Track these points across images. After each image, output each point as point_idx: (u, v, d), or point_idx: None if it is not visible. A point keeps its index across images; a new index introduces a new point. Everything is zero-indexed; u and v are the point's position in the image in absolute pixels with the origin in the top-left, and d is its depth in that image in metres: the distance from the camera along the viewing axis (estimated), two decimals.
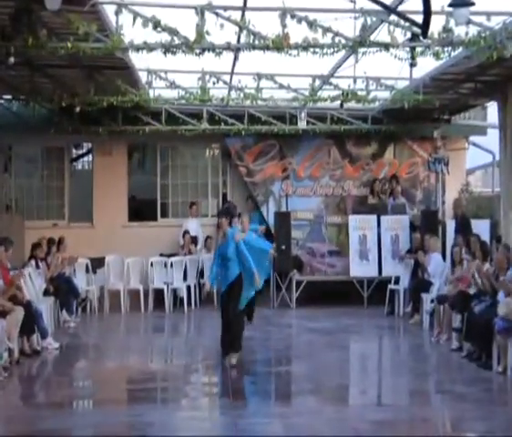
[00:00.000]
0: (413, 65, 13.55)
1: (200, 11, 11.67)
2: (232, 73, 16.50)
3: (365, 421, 8.83)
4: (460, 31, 12.17)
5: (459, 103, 17.95)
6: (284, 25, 11.82)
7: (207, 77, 17.02)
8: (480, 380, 10.71)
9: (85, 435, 8.54)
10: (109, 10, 11.64)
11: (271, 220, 18.85)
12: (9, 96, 18.01)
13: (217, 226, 12.52)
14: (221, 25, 11.64)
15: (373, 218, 18.64)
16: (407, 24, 11.75)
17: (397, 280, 17.11)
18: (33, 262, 15.29)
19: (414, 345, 13.78)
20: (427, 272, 15.69)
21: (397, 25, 11.86)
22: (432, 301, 14.23)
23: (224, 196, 20.01)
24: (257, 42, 12.31)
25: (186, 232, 18.74)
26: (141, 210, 20.03)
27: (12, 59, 12.13)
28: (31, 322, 12.46)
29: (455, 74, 15.24)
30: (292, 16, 11.68)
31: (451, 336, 12.88)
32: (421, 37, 11.78)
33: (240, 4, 11.70)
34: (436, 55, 12.97)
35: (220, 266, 11.97)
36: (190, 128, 18.80)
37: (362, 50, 12.78)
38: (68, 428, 8.67)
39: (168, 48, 12.31)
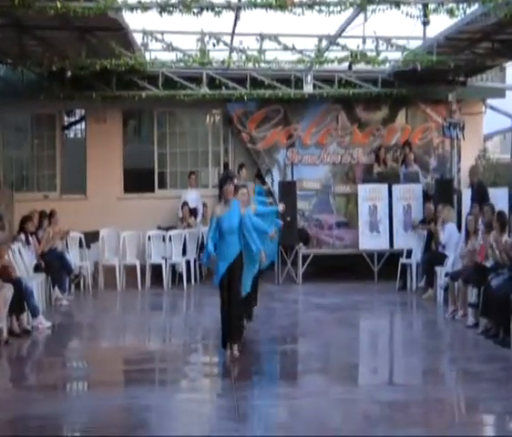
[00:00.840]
0: (425, 23, 13.46)
1: None
2: (233, 34, 16.41)
3: (376, 401, 8.80)
4: None
5: (475, 64, 17.81)
6: None
7: (206, 39, 16.93)
8: (497, 357, 10.68)
9: (79, 419, 8.51)
10: None
11: (275, 190, 18.77)
12: None
13: (218, 196, 11.37)
14: None
15: (384, 187, 18.57)
16: None
17: (409, 253, 17.08)
18: (23, 237, 15.26)
19: (427, 321, 13.76)
20: (441, 244, 15.65)
21: None
22: (446, 275, 14.18)
23: (226, 165, 19.93)
24: (259, 0, 12.23)
25: (185, 204, 18.70)
26: (137, 181, 19.94)
27: None
28: (21, 300, 12.45)
29: (470, 32, 15.11)
30: None
31: (466, 312, 12.84)
32: None
33: None
34: (451, 13, 12.87)
35: (216, 241, 10.73)
36: (189, 93, 18.70)
37: (371, 8, 12.71)
38: (62, 412, 8.66)
39: (164, 8, 12.24)
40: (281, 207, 13.59)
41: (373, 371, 10.84)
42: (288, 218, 17.43)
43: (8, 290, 11.92)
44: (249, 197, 11.97)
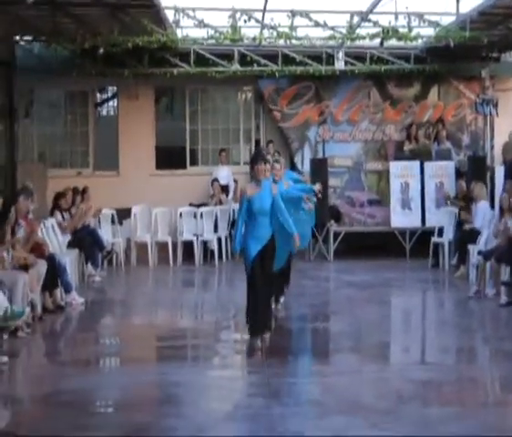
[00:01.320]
0: None
1: None
2: (265, 10, 16.33)
3: (408, 380, 8.72)
4: None
5: (510, 39, 17.60)
6: None
7: (238, 15, 16.90)
8: None
9: (110, 394, 8.52)
10: None
11: (306, 167, 18.66)
12: (30, 38, 18.02)
13: (250, 174, 10.98)
14: None
15: (416, 164, 18.42)
16: None
17: (441, 231, 16.89)
18: (58, 215, 15.31)
19: (459, 300, 13.60)
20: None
21: None
22: (479, 253, 14.00)
23: (257, 142, 19.85)
24: None
25: (215, 180, 18.66)
26: (169, 158, 19.90)
27: None
28: (54, 276, 12.46)
29: (505, 7, 14.91)
30: None
31: (499, 290, 12.68)
32: None
33: None
34: None
35: (245, 224, 10.05)
36: (221, 70, 18.63)
37: None
38: (94, 387, 8.66)
39: None
40: (317, 186, 12.79)
41: (406, 350, 10.76)
42: (319, 196, 17.29)
43: (42, 266, 11.94)
44: (282, 171, 11.70)
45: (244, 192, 10.17)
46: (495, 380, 9.32)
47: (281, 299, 12.41)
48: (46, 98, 20.53)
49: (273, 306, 11.58)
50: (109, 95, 21.94)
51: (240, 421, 7.48)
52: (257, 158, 10.19)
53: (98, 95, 21.60)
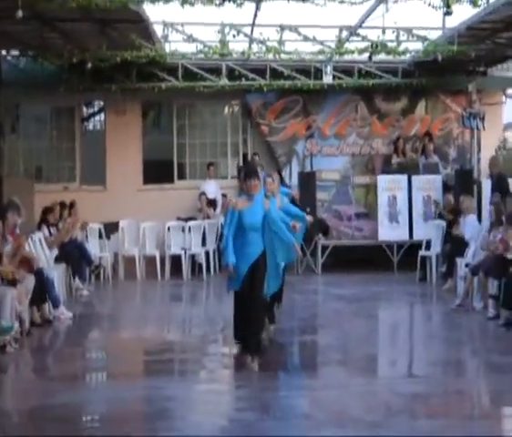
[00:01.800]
0: (448, 13, 13.35)
1: None
2: (253, 25, 16.40)
3: (396, 393, 8.74)
4: None
5: (496, 54, 17.75)
6: None
7: (226, 30, 16.95)
8: None
9: (99, 409, 8.53)
10: None
11: (294, 181, 18.73)
12: (16, 52, 18.02)
13: (240, 188, 11.02)
14: None
15: (404, 178, 18.52)
16: None
17: (428, 245, 16.97)
18: (45, 230, 15.32)
19: (447, 313, 13.64)
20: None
21: None
22: (466, 266, 14.08)
23: (245, 156, 19.90)
24: None
25: (202, 194, 18.69)
26: (157, 172, 19.94)
27: (20, 13, 12.13)
28: (42, 291, 12.48)
29: (492, 22, 15.03)
30: None
31: (487, 303, 12.75)
32: None
33: None
34: (474, 3, 12.79)
35: (235, 238, 9.63)
36: (209, 84, 18.70)
37: None
38: (82, 402, 8.66)
39: None
40: (308, 218, 12.43)
41: (393, 363, 10.79)
42: (307, 209, 17.35)
43: (30, 281, 11.95)
44: (276, 186, 11.55)
45: (233, 205, 9.89)
46: (482, 392, 9.38)
47: (272, 327, 11.66)
48: (33, 113, 20.54)
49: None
50: (96, 109, 21.97)
51: (230, 436, 7.51)
52: (250, 174, 9.83)
53: (85, 109, 21.64)
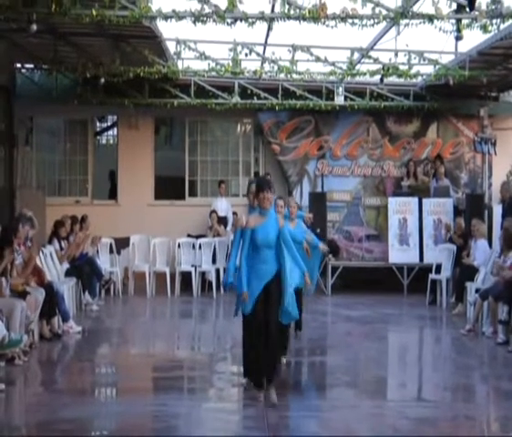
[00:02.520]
0: (459, 38, 13.38)
1: None
2: (266, 44, 16.43)
3: (405, 417, 8.71)
4: (510, 1, 12.00)
5: (508, 79, 17.77)
6: None
7: (239, 48, 16.97)
8: None
9: (106, 425, 8.52)
10: None
11: (305, 201, 18.71)
12: (31, 66, 18.12)
13: (250, 204, 10.37)
14: None
15: (415, 200, 18.50)
16: None
17: (439, 268, 16.92)
18: (56, 243, 15.35)
19: (456, 337, 13.60)
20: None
21: None
22: (477, 291, 14.03)
23: (256, 174, 19.89)
24: (292, 11, 12.27)
25: (213, 211, 18.69)
26: (168, 188, 19.96)
27: (34, 26, 12.20)
28: (52, 304, 12.50)
29: (504, 48, 15.06)
30: None
31: (497, 329, 12.70)
32: (467, 9, 11.61)
33: None
34: (484, 28, 12.80)
35: (248, 258, 8.99)
36: (221, 102, 18.75)
37: (404, 22, 12.69)
38: (90, 417, 8.65)
39: (197, 17, 12.30)
40: (321, 245, 12.00)
41: (402, 386, 10.73)
42: (318, 230, 17.36)
43: (40, 295, 11.97)
44: (293, 211, 11.17)
45: (241, 224, 9.39)
46: (491, 418, 9.32)
47: (284, 359, 10.90)
48: (46, 126, 20.65)
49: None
50: (109, 124, 22.05)
51: None
52: (263, 186, 9.10)
53: (98, 123, 21.72)
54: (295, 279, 9.41)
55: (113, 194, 20.15)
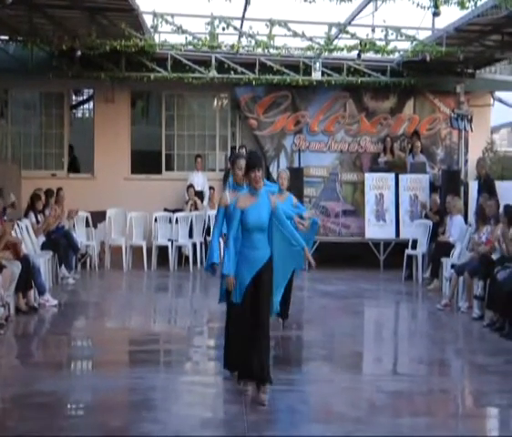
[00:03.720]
0: (436, 14, 13.40)
1: None
2: (243, 18, 16.38)
3: (380, 391, 8.76)
4: None
5: (485, 56, 17.81)
6: None
7: (216, 23, 16.91)
8: (503, 350, 10.64)
9: (83, 397, 8.51)
10: None
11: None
12: (6, 37, 17.92)
13: (240, 178, 8.91)
14: None
15: (391, 176, 18.54)
16: None
17: (415, 244, 17.00)
18: (33, 216, 15.26)
19: (432, 312, 13.68)
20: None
21: None
22: (452, 266, 14.11)
23: (233, 149, 19.83)
24: None
25: (190, 186, 18.62)
26: (145, 162, 19.87)
27: None
28: (28, 277, 12.45)
29: (481, 25, 15.12)
30: None
31: (472, 304, 12.79)
32: None
33: None
34: (461, 5, 12.84)
35: (237, 241, 8.14)
36: (198, 76, 18.64)
37: None
38: (66, 390, 8.64)
39: None
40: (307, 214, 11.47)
41: (378, 361, 10.78)
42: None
43: (16, 268, 11.91)
44: (283, 183, 10.84)
45: (225, 201, 8.71)
46: (465, 392, 9.41)
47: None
48: (21, 99, 20.45)
49: None
50: (85, 97, 21.90)
51: (216, 428, 7.51)
52: (255, 163, 8.15)
53: (74, 97, 21.56)
54: (291, 265, 9.06)
55: (71, 168, 19.95)
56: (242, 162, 8.84)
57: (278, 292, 8.95)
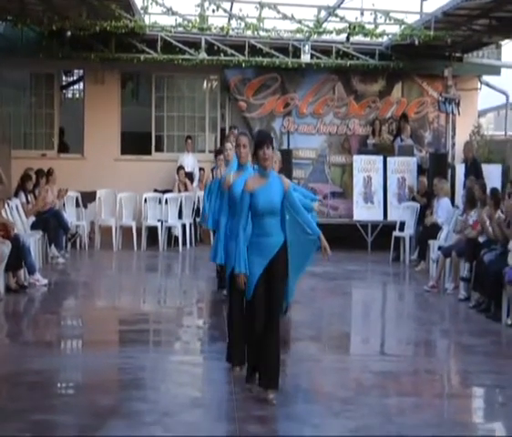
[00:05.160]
0: None
1: None
2: (233, 0, 16.33)
3: (368, 371, 8.79)
4: None
5: (472, 40, 17.79)
6: None
7: (206, 4, 16.90)
8: (488, 331, 10.67)
9: (73, 376, 8.51)
10: None
11: None
12: None
13: (242, 157, 8.28)
14: None
15: (379, 158, 18.53)
16: None
17: (403, 226, 17.02)
18: (23, 196, 15.19)
19: (419, 294, 13.71)
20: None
21: None
22: (439, 249, 14.13)
23: (222, 131, 19.78)
24: None
25: (180, 167, 18.57)
26: (135, 143, 19.79)
27: None
28: (18, 257, 12.40)
29: (469, 9, 15.12)
30: None
31: (458, 285, 12.83)
32: None
33: None
34: None
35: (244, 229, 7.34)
36: (188, 58, 18.55)
37: None
38: (56, 369, 8.65)
39: None
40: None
41: (366, 341, 10.82)
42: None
43: (6, 247, 11.86)
44: (275, 167, 9.34)
45: (229, 182, 8.31)
46: (451, 372, 9.46)
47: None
48: (11, 78, 20.29)
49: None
50: (75, 78, 21.79)
51: (205, 407, 7.51)
52: (264, 141, 7.32)
53: (64, 77, 21.44)
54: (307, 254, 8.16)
55: (61, 149, 19.86)
56: (245, 139, 8.39)
57: (295, 278, 7.91)
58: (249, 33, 17.89)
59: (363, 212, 18.36)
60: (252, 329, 7.38)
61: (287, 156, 18.16)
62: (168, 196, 17.86)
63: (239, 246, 7.28)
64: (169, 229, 17.97)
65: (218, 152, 11.60)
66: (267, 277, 7.25)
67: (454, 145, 19.23)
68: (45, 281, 13.04)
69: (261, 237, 7.27)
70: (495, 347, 10.09)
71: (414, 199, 17.36)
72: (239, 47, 18.65)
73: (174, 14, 17.26)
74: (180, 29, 17.71)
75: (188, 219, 17.93)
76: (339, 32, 17.43)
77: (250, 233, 7.34)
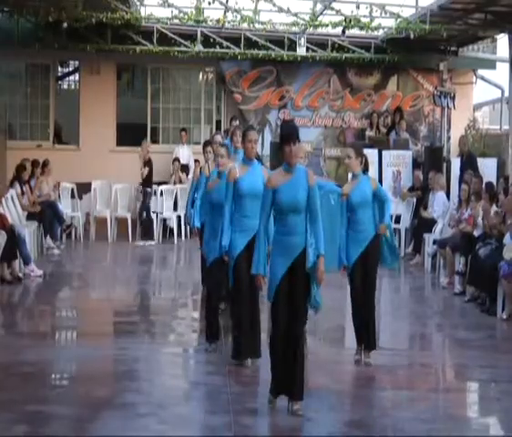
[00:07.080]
0: None
1: None
2: None
3: (362, 364, 8.71)
4: None
5: (468, 34, 17.74)
6: None
7: None
8: (483, 325, 10.65)
9: (67, 367, 8.47)
10: None
11: (266, 150, 18.59)
12: None
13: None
14: None
15: (374, 152, 18.38)
16: None
17: (398, 219, 16.96)
18: (18, 187, 15.12)
19: (414, 287, 13.69)
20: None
21: None
22: (434, 242, 14.08)
23: (218, 123, 19.70)
24: None
25: (175, 159, 18.50)
26: (130, 134, 19.69)
27: None
28: (13, 247, 12.35)
29: (464, 3, 15.07)
30: None
31: (454, 279, 12.78)
32: None
33: None
34: None
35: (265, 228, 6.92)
36: (183, 50, 18.45)
37: None
38: (51, 360, 8.62)
39: None
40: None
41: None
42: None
43: (1, 238, 11.81)
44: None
45: (235, 174, 8.08)
46: (447, 366, 9.44)
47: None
48: (7, 69, 20.18)
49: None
50: (71, 69, 21.69)
51: (199, 399, 7.48)
52: (291, 134, 6.81)
53: (60, 68, 21.34)
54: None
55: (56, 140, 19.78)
56: (254, 135, 8.27)
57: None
58: (245, 25, 17.82)
59: None
60: (275, 333, 6.96)
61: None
62: (163, 188, 17.79)
63: (259, 248, 6.89)
64: (164, 221, 17.90)
65: (206, 144, 11.14)
66: (289, 278, 6.81)
67: (449, 138, 19.21)
68: (40, 272, 12.98)
69: (285, 235, 6.82)
70: (490, 341, 10.08)
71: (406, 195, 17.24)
72: (234, 40, 18.56)
73: (170, 6, 17.20)
74: (176, 21, 17.64)
75: (183, 211, 17.84)
76: (335, 25, 17.37)
77: (274, 232, 6.95)
